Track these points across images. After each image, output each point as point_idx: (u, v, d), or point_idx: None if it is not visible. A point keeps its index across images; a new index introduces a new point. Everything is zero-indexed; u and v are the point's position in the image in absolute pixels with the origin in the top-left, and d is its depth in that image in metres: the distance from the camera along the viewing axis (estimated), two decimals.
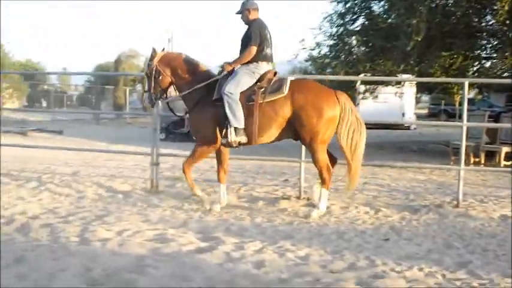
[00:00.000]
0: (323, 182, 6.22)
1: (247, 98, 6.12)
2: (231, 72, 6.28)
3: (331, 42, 15.21)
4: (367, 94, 16.85)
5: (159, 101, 6.89)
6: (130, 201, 6.83)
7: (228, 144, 6.22)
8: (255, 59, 6.25)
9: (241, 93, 6.11)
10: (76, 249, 4.59)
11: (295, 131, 6.19)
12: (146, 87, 6.70)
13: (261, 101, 6.08)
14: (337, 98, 6.17)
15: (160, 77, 6.49)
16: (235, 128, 6.08)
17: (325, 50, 15.24)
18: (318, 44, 15.13)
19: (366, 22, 14.77)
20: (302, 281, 3.99)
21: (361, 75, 13.46)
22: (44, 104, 40.22)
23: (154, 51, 6.55)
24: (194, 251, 4.70)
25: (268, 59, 6.37)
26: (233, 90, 6.07)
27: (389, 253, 4.82)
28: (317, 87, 6.42)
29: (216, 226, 5.67)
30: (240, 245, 4.90)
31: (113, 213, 6.09)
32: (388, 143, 17.33)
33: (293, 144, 6.94)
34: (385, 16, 14.27)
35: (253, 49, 6.20)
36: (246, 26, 6.40)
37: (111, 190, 7.47)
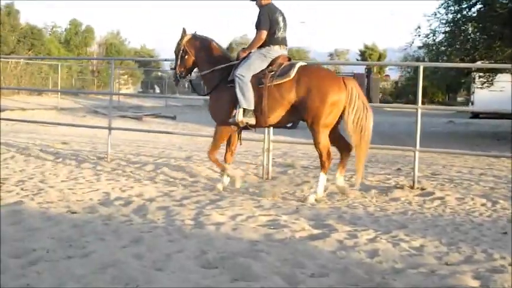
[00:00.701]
0: (322, 166, 6.29)
1: (258, 80, 6.33)
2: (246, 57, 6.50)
3: (447, 29, 14.67)
4: (483, 82, 16.04)
5: (183, 79, 7.17)
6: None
7: (235, 124, 6.46)
8: (267, 43, 6.44)
9: (253, 76, 6.33)
10: (191, 232, 4.70)
11: (301, 113, 6.29)
12: (173, 65, 7.12)
13: (269, 84, 6.26)
14: (344, 84, 6.22)
15: (186, 56, 6.85)
16: (244, 109, 6.30)
17: (440, 37, 14.75)
18: (433, 31, 14.66)
19: (483, 8, 14.01)
20: (417, 272, 3.82)
21: (478, 63, 12.81)
22: (157, 90, 42.06)
23: (184, 31, 6.92)
24: (307, 237, 4.64)
25: (280, 42, 6.53)
26: (244, 73, 6.31)
27: (508, 247, 4.50)
28: (324, 72, 6.67)
29: (328, 214, 5.58)
30: (353, 234, 4.79)
31: (226, 198, 6.19)
32: (505, 133, 16.28)
33: (407, 133, 6.68)
34: (504, 1, 13.41)
35: (263, 33, 6.39)
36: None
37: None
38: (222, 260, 3.89)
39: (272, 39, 6.44)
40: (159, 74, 44.55)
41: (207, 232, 4.72)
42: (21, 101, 22.61)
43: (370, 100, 10.65)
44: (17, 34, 32.28)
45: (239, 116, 6.33)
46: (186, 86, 42.27)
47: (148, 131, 12.37)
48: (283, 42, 6.57)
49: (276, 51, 6.48)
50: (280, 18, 6.52)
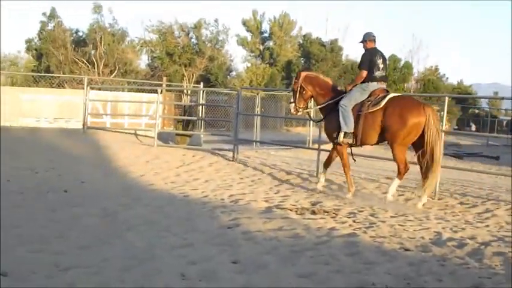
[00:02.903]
0: (398, 173, 8.06)
1: (358, 109, 8.21)
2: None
3: None
4: None
5: (301, 110, 9.08)
6: None
7: (338, 144, 8.45)
8: (366, 80, 8.31)
9: (355, 105, 8.24)
10: None
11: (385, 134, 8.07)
12: (292, 100, 9.06)
13: (366, 111, 8.10)
14: (424, 110, 7.82)
15: (304, 92, 8.81)
16: (345, 132, 8.22)
17: None
18: None
19: None
20: None
21: None
22: (473, 127, 40.38)
23: (299, 72, 9.19)
24: None
25: (379, 79, 8.35)
26: (346, 103, 8.27)
27: None
28: (408, 101, 8.34)
29: None
30: None
31: None
32: None
33: None
34: None
35: (364, 73, 8.31)
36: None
37: None
38: None
39: (370, 77, 8.29)
40: (476, 111, 42.89)
41: None
42: None
43: None
44: (339, 70, 34.74)
45: (340, 138, 8.31)
46: (504, 124, 40.03)
47: (477, 171, 11.88)
48: (381, 79, 8.39)
49: (374, 86, 8.28)
50: (380, 61, 8.36)
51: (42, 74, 26.68)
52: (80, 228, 5.81)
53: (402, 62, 39.95)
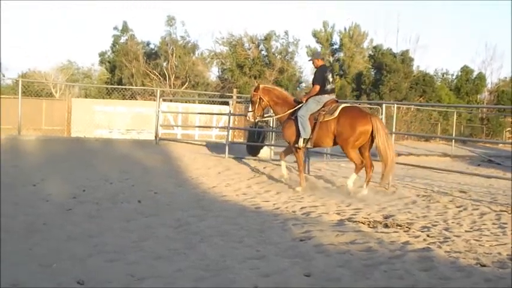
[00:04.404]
0: (355, 168, 9.77)
1: (314, 118, 9.88)
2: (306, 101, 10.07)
3: None
4: None
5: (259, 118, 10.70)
6: None
7: (298, 148, 10.13)
8: (319, 93, 9.95)
9: (311, 114, 9.89)
10: None
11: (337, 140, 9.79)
12: (250, 108, 10.60)
13: (321, 120, 9.78)
14: (370, 119, 9.50)
15: (262, 102, 10.44)
16: (304, 138, 9.91)
17: None
18: None
19: None
20: None
21: None
22: None
23: (258, 84, 10.98)
24: None
25: (330, 92, 10.03)
26: (304, 113, 9.93)
27: None
28: (356, 112, 9.80)
29: None
30: None
31: None
32: None
33: None
34: None
35: (317, 87, 9.95)
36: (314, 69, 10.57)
37: None
38: None
39: (322, 90, 9.95)
40: None
41: None
42: (410, 146, 23.63)
43: None
44: (410, 81, 34.19)
45: (300, 143, 9.99)
46: None
47: None
48: (332, 91, 10.09)
49: (326, 98, 9.97)
50: (330, 75, 10.09)
51: (115, 86, 27.56)
52: (154, 238, 5.93)
53: (475, 73, 38.76)
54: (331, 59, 42.16)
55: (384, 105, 12.53)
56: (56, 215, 6.86)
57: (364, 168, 9.79)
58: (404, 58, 35.32)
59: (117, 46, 37.71)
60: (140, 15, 60.60)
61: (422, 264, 5.21)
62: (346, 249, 5.72)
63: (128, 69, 34.18)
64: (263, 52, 38.82)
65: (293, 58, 40.04)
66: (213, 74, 41.06)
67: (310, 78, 43.42)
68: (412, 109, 29.25)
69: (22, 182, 9.18)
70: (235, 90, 24.79)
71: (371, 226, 6.98)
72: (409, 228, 6.90)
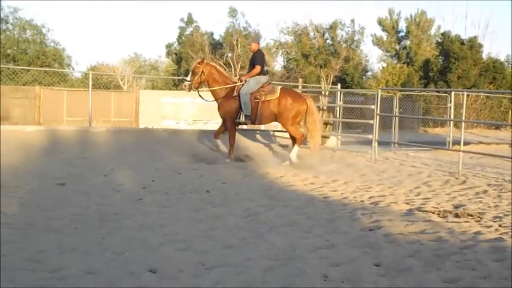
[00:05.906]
0: (296, 141, 11.48)
1: (255, 97, 11.25)
2: (245, 80, 11.37)
3: None
4: None
5: (194, 89, 11.63)
6: None
7: (239, 123, 11.53)
8: (259, 74, 11.30)
9: (251, 93, 11.20)
10: None
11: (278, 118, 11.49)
12: (189, 78, 11.59)
13: (263, 99, 11.28)
14: (306, 100, 11.48)
15: (202, 76, 11.42)
16: (245, 115, 11.19)
17: None
18: None
19: None
20: None
21: None
22: None
23: (203, 59, 12.23)
24: None
25: (266, 73, 11.54)
26: (246, 91, 11.18)
27: None
28: (294, 94, 11.79)
29: None
30: None
31: None
32: None
33: None
34: None
35: (259, 68, 11.28)
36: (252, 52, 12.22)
37: None
38: None
39: (262, 72, 11.32)
40: None
41: None
42: (480, 134, 22.89)
43: None
44: (479, 68, 33.15)
45: (242, 119, 11.28)
46: None
47: None
48: (267, 73, 11.65)
49: (264, 78, 11.39)
50: (264, 58, 11.64)
51: (182, 78, 28.00)
52: (223, 227, 5.99)
53: None
54: (397, 47, 41.37)
55: (452, 93, 12.20)
56: (126, 204, 7.03)
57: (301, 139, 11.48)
58: (473, 44, 34.23)
59: (183, 38, 38.28)
60: (203, 6, 61.24)
61: (494, 255, 5.11)
62: (416, 239, 5.64)
63: (194, 60, 34.68)
64: (328, 41, 38.52)
65: (358, 47, 39.62)
66: (278, 63, 41.07)
67: (376, 67, 42.91)
68: (481, 97, 28.34)
69: (94, 173, 9.46)
70: (300, 79, 24.69)
71: (441, 216, 6.85)
72: (481, 218, 6.75)
